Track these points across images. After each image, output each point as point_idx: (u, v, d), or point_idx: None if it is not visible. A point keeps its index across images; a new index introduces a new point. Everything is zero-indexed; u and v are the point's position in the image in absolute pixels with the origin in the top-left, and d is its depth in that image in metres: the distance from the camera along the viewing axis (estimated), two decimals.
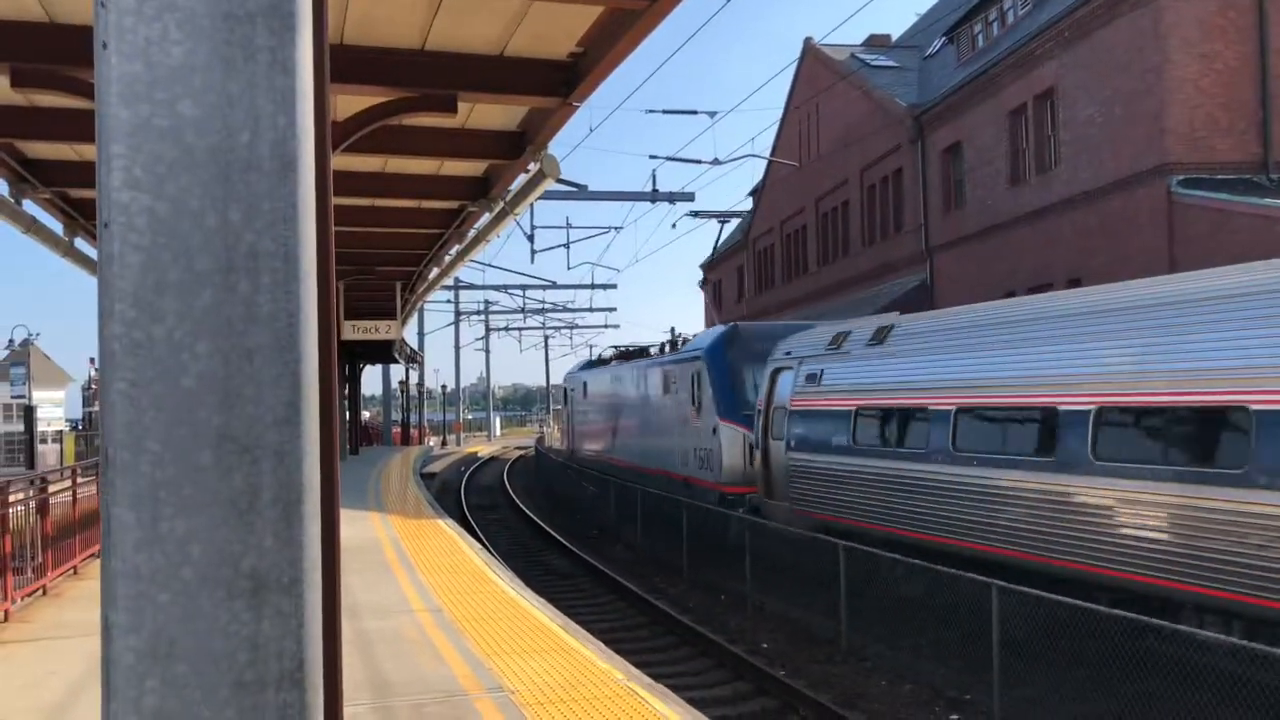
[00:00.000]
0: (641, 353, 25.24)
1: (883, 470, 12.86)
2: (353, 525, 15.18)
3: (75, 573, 11.16)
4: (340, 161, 11.46)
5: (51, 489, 10.91)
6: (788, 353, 16.27)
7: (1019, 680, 9.14)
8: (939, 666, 10.42)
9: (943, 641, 10.72)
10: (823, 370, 14.90)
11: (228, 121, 1.42)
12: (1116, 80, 19.79)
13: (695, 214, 26.03)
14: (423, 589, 10.11)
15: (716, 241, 27.92)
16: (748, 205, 46.83)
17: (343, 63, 8.13)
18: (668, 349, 22.51)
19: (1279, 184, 18.34)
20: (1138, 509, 8.97)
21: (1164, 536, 8.63)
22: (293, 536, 1.44)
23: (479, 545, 13.86)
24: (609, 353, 30.16)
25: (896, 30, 50.39)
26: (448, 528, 15.11)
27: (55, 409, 50.88)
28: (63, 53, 7.88)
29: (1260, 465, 7.45)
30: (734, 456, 17.60)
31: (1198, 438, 8.52)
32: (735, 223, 25.28)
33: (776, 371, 16.26)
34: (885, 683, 10.20)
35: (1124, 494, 9.07)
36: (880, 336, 13.90)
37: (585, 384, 30.75)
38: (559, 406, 39.04)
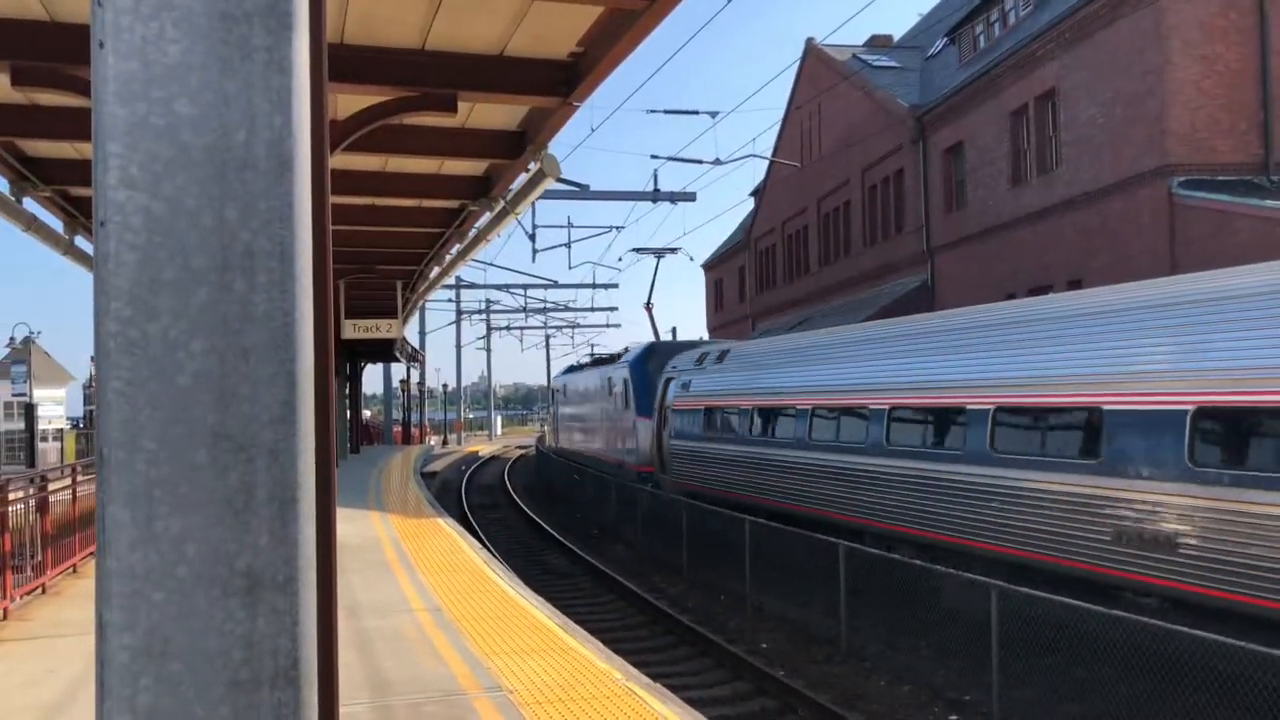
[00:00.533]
0: (609, 360, 29.28)
1: (721, 451, 18.76)
2: (353, 524, 15.18)
3: (75, 571, 11.17)
4: (340, 160, 11.46)
5: (51, 487, 10.92)
6: (674, 367, 22.27)
7: (1018, 681, 9.14)
8: (938, 667, 10.42)
9: (942, 642, 10.73)
10: (691, 380, 20.87)
11: (224, 120, 1.43)
12: (1118, 81, 19.78)
13: (637, 250, 30.06)
14: (422, 588, 10.11)
15: (653, 278, 32.94)
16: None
17: (343, 62, 8.13)
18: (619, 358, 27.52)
19: None
20: (841, 472, 14.03)
21: (902, 494, 12.61)
22: (288, 535, 1.44)
23: (479, 545, 13.86)
24: (587, 360, 34.97)
25: (898, 31, 50.41)
26: (448, 527, 15.11)
27: (56, 407, 50.94)
28: (63, 51, 7.88)
29: (970, 449, 11.28)
30: (646, 443, 23.06)
31: (935, 430, 12.21)
32: (670, 256, 30.25)
33: (667, 381, 22.25)
34: (884, 683, 10.20)
35: (828, 463, 14.37)
36: (721, 357, 20.04)
37: (565, 386, 35.57)
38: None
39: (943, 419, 11.96)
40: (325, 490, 2.16)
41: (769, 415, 16.76)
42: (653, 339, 27.63)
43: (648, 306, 30.62)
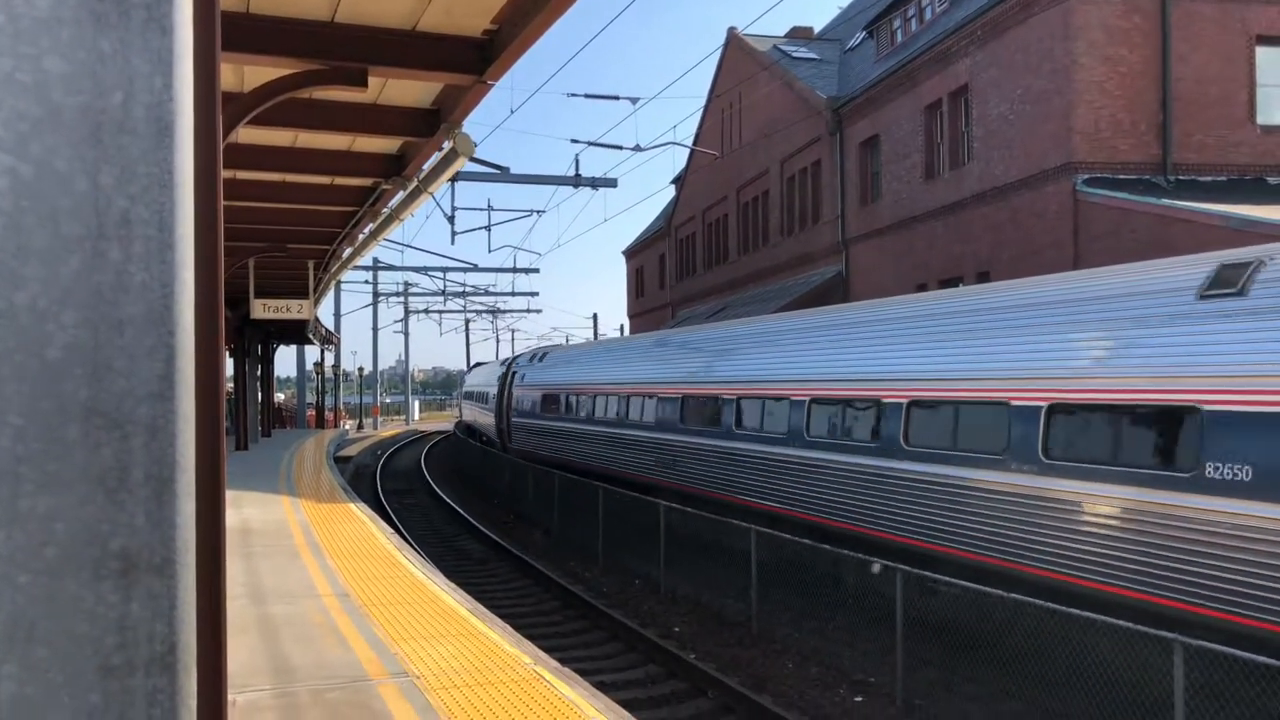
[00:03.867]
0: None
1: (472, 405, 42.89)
2: (262, 508, 14.83)
3: None
4: (248, 134, 11.12)
5: None
6: (468, 382, 48.47)
7: (922, 663, 9.39)
8: (846, 649, 10.65)
9: (850, 626, 10.97)
10: (468, 380, 47.96)
11: (99, 80, 1.36)
12: (1027, 79, 20.35)
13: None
14: (331, 573, 9.93)
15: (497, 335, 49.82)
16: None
17: (247, 31, 7.87)
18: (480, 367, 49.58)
19: (1176, 185, 19.12)
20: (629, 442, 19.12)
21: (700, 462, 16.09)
22: (165, 515, 1.39)
23: (391, 530, 13.66)
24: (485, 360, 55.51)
25: (819, 23, 51.08)
26: (360, 512, 14.86)
27: None
28: None
29: (797, 436, 13.14)
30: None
31: (715, 416, 15.53)
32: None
33: (463, 382, 50.69)
34: (793, 665, 10.38)
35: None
36: (471, 370, 51.85)
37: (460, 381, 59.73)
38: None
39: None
40: (211, 470, 2.09)
41: (474, 394, 39.69)
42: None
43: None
